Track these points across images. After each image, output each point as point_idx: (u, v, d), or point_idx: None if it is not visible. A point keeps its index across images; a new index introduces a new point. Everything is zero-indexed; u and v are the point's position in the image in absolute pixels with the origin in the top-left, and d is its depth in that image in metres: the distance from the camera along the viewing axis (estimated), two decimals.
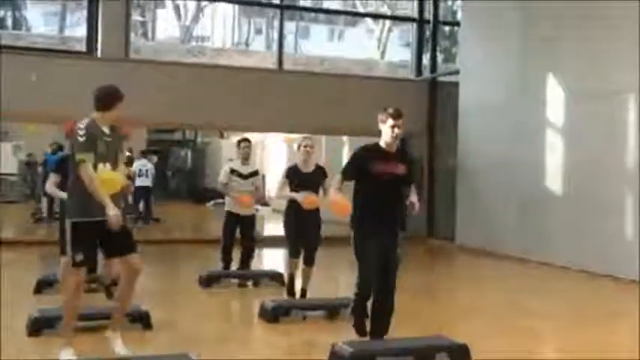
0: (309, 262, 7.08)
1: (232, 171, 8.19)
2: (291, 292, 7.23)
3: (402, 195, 5.24)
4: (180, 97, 12.35)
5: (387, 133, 5.16)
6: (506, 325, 6.63)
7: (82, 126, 4.66)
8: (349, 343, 4.95)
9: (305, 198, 6.79)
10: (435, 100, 14.24)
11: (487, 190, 12.27)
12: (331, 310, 6.59)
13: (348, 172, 5.20)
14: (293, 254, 7.09)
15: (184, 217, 19.83)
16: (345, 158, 18.28)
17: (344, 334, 5.40)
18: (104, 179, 4.63)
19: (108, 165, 4.71)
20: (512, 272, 10.25)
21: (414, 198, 5.21)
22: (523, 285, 9.09)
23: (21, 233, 13.74)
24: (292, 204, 6.94)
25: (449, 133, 13.71)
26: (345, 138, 16.58)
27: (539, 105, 11.12)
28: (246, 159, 8.21)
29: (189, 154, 26.88)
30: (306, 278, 7.14)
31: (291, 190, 6.97)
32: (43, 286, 7.41)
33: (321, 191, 6.96)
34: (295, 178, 7.01)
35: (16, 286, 7.77)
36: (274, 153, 20.58)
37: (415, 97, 13.98)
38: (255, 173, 8.28)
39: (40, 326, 5.60)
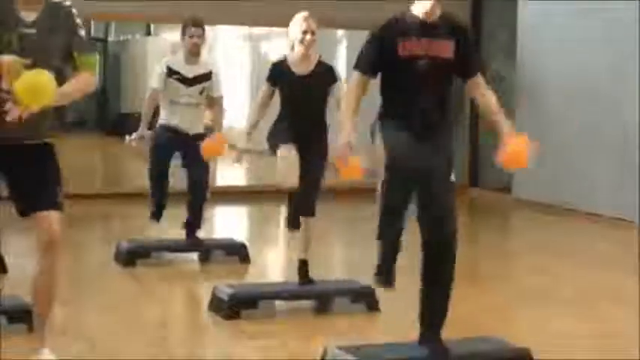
0: (305, 209, 6.72)
1: (171, 72, 8.08)
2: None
3: (446, 92, 5.07)
4: None
5: None
6: (591, 327, 6.66)
7: None
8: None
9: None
10: None
11: (565, 116, 12.26)
12: (323, 299, 6.71)
13: (365, 61, 5.02)
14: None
15: (91, 158, 19.77)
16: (343, 62, 18.17)
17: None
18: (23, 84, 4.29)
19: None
20: (602, 238, 10.35)
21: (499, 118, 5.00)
22: (617, 258, 9.15)
23: None
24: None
25: (503, 25, 13.65)
26: (340, 33, 16.47)
27: None
28: (194, 55, 8.10)
29: (97, 60, 26.67)
30: (304, 241, 6.78)
31: (280, 99, 6.62)
32: None
33: (332, 113, 6.60)
34: (283, 83, 6.58)
35: None
36: (232, 58, 20.46)
37: None
38: (206, 77, 8.16)
39: None
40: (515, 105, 13.11)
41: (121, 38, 25.68)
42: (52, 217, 4.69)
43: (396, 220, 4.92)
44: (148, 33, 24.37)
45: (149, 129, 8.27)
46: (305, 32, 6.53)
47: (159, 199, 8.32)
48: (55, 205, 4.71)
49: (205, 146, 7.79)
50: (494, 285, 8.18)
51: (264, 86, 6.68)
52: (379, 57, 5.00)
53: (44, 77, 4.34)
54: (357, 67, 5.04)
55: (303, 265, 6.80)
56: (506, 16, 13.47)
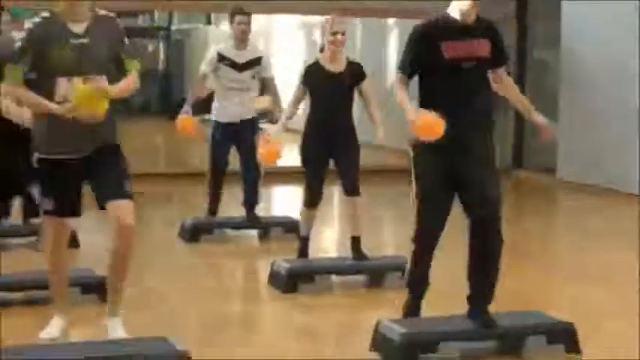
0: (350, 188, 6.95)
1: (222, 58, 8.18)
2: (303, 253, 7.14)
3: (488, 90, 5.22)
4: None
5: None
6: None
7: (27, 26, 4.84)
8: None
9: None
10: None
11: (609, 101, 12.12)
12: (375, 274, 6.84)
13: (405, 62, 5.13)
14: (307, 200, 7.06)
15: (155, 140, 19.95)
16: (393, 53, 17.96)
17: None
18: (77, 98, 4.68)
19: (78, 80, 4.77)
20: None
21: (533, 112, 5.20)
22: None
23: None
24: (310, 121, 6.93)
25: (548, 13, 13.52)
26: (391, 22, 16.40)
27: None
28: (242, 41, 8.18)
29: (162, 48, 26.84)
30: (354, 219, 7.00)
31: (310, 100, 6.87)
32: None
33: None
34: (315, 80, 6.83)
35: None
36: (285, 48, 20.48)
37: None
38: (257, 61, 8.22)
39: None
40: (559, 92, 13.06)
41: (184, 27, 25.89)
42: (123, 206, 4.93)
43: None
44: (209, 22, 24.50)
45: (200, 112, 8.45)
46: (335, 33, 6.70)
47: (214, 195, 8.47)
48: (125, 195, 4.94)
49: (262, 153, 7.01)
50: (538, 263, 8.19)
51: (298, 88, 6.87)
52: (419, 59, 5.09)
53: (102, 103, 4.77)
54: (398, 67, 5.18)
55: (356, 242, 6.95)
56: (550, 5, 13.38)
